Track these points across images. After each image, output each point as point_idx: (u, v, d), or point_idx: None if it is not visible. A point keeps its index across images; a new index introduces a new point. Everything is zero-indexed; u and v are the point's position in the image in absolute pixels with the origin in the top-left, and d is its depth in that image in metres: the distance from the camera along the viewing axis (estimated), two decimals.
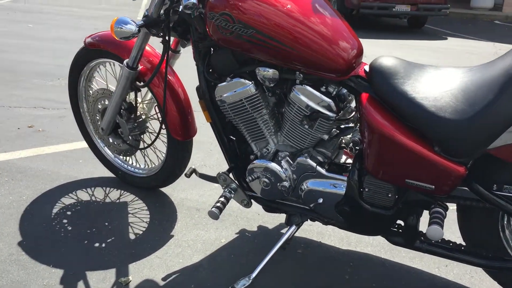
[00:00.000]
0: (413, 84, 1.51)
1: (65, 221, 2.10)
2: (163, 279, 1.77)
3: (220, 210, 1.82)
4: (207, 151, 2.85)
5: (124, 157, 2.40)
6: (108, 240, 1.99)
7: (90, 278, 1.75)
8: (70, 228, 2.05)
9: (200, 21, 1.73)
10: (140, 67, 2.04)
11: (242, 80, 1.72)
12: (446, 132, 1.42)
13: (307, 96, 1.64)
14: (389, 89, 1.52)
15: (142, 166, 2.43)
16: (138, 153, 2.39)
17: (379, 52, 6.95)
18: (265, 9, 1.58)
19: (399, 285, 1.81)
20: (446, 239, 1.67)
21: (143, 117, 2.22)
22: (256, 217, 2.18)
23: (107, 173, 2.49)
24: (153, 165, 2.38)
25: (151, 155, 2.40)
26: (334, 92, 1.67)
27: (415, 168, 1.50)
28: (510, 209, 1.46)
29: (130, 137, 2.20)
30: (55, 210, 2.18)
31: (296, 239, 2.06)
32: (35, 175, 2.49)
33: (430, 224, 1.51)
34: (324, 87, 1.66)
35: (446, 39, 8.90)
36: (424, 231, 1.61)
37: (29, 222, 2.09)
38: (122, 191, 2.38)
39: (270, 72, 1.67)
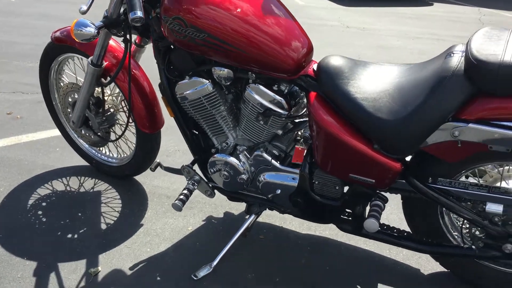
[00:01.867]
0: (356, 84, 1.59)
1: (40, 212, 2.21)
2: (130, 268, 1.90)
3: (183, 202, 1.93)
4: (179, 136, 2.93)
5: (97, 148, 2.49)
6: (81, 231, 2.10)
7: (62, 270, 1.87)
8: (44, 220, 2.16)
9: (157, 22, 1.80)
10: (105, 63, 2.11)
11: (200, 79, 1.80)
12: (383, 131, 1.52)
13: (260, 95, 1.73)
14: (334, 89, 1.60)
15: (115, 156, 2.52)
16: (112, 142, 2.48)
17: (364, 21, 6.98)
18: (217, 13, 1.64)
19: (351, 266, 1.95)
20: (391, 226, 1.80)
21: (112, 110, 2.30)
22: (224, 203, 2.30)
23: (83, 162, 2.58)
24: (125, 155, 2.47)
25: (123, 145, 2.49)
26: (286, 90, 1.76)
27: (357, 163, 1.60)
28: (441, 201, 1.58)
29: (100, 130, 2.28)
30: (30, 202, 2.28)
31: (260, 225, 2.18)
32: (12, 165, 2.58)
33: (368, 217, 1.63)
34: (276, 85, 1.75)
35: (431, 4, 8.88)
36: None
37: (5, 214, 2.19)
38: (97, 180, 2.48)
39: (225, 72, 1.75)
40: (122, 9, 1.88)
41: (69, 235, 2.07)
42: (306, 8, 8.03)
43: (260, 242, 2.08)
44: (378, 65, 1.69)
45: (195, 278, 1.84)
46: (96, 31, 1.80)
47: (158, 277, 1.86)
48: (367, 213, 1.69)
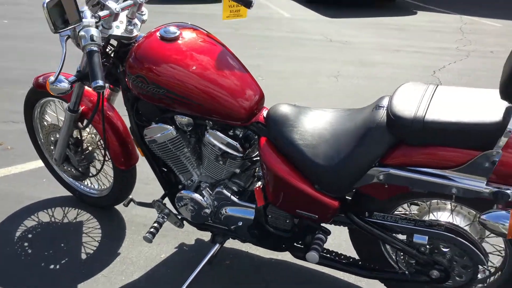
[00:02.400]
0: (299, 131, 1.80)
1: (26, 244, 2.41)
2: None
3: (154, 234, 2.13)
4: None
5: (79, 181, 2.70)
6: (63, 262, 2.30)
7: None
8: (30, 251, 2.36)
9: (124, 76, 2.00)
10: (81, 108, 2.31)
11: (164, 125, 2.00)
12: (321, 174, 1.73)
13: (217, 140, 1.93)
14: (280, 135, 1.81)
15: (96, 187, 2.73)
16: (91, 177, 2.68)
17: (348, 34, 7.18)
18: (175, 71, 1.85)
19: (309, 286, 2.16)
20: (340, 253, 2.00)
21: (90, 148, 2.50)
22: (196, 230, 2.49)
23: (67, 192, 2.78)
24: (105, 187, 2.68)
25: (103, 178, 2.69)
26: (241, 135, 1.96)
27: (302, 201, 1.81)
28: (375, 233, 1.78)
29: (80, 166, 2.49)
30: (17, 234, 2.49)
31: (227, 251, 2.38)
32: (1, 197, 2.78)
33: (310, 249, 1.84)
34: (232, 131, 1.96)
35: (415, 13, 9.09)
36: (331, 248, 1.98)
37: None
38: (79, 210, 2.68)
39: (185, 119, 1.96)
40: None
41: (52, 266, 2.28)
42: (292, 21, 8.24)
43: (226, 267, 2.28)
44: (320, 111, 1.89)
45: None
46: (70, 85, 2.00)
47: None
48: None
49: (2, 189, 2.87)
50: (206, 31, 2.05)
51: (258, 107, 1.94)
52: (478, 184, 1.52)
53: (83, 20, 1.70)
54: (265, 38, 6.92)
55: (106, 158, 2.37)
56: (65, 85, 1.98)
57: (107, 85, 2.23)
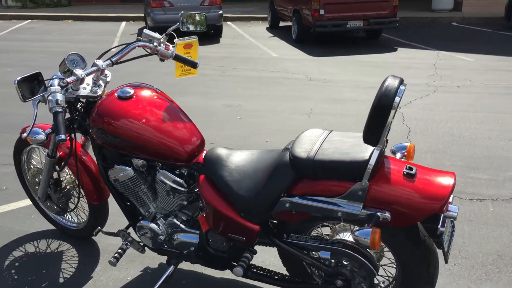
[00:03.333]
0: (228, 169, 2.21)
1: (13, 271, 2.81)
2: None
3: (117, 259, 2.53)
4: None
5: (60, 215, 3.11)
6: (44, 285, 2.69)
7: None
8: (16, 277, 2.76)
9: (89, 128, 2.44)
10: (58, 154, 2.74)
11: (124, 167, 2.42)
12: (243, 204, 2.13)
13: (166, 178, 2.35)
14: (214, 173, 2.23)
15: (76, 221, 3.14)
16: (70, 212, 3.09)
17: (328, 72, 7.66)
18: (128, 123, 2.28)
19: None
20: (270, 269, 2.38)
21: (68, 187, 2.92)
22: (158, 256, 2.88)
23: (51, 226, 3.19)
24: (83, 220, 3.09)
25: (81, 213, 3.11)
26: (185, 173, 2.38)
27: (231, 227, 2.20)
28: (290, 251, 2.17)
29: (59, 203, 2.90)
30: (6, 263, 2.89)
31: (184, 271, 2.76)
32: None
33: (236, 265, 2.22)
34: (178, 170, 2.38)
35: (395, 50, 9.58)
36: (258, 264, 2.37)
37: None
38: (61, 242, 3.09)
39: (140, 162, 2.38)
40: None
41: None
42: (278, 60, 8.77)
43: (183, 286, 2.66)
44: (247, 152, 2.31)
45: None
46: (45, 137, 2.43)
47: None
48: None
49: None
50: (158, 90, 2.49)
51: (199, 150, 2.37)
52: (356, 209, 1.91)
53: (51, 87, 2.13)
54: (249, 78, 7.42)
55: (81, 195, 2.78)
56: (41, 136, 2.41)
57: (79, 135, 2.67)
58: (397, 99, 1.75)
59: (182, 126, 2.35)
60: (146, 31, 2.55)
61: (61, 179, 2.89)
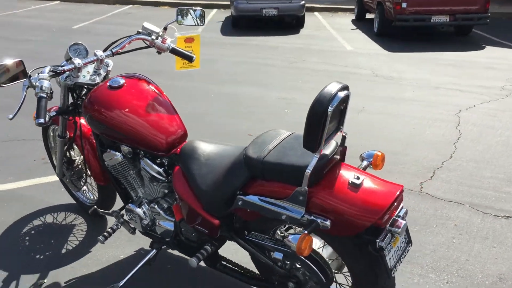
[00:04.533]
0: (198, 163, 2.27)
1: (26, 238, 3.10)
2: (65, 282, 2.69)
3: (106, 238, 2.69)
4: None
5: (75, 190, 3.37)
6: (47, 253, 2.95)
7: (22, 280, 2.72)
8: (27, 244, 3.04)
9: None
10: (68, 134, 2.96)
11: (115, 152, 2.57)
12: (204, 198, 2.18)
13: (148, 166, 2.46)
14: (185, 165, 2.30)
15: (91, 197, 3.37)
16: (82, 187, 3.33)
17: (398, 69, 7.38)
18: (111, 112, 2.39)
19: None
20: (240, 265, 2.41)
21: (80, 167, 3.15)
22: None
23: (73, 201, 3.46)
24: (95, 198, 3.31)
25: (95, 191, 3.33)
26: (166, 162, 2.47)
27: (196, 218, 2.26)
28: (247, 248, 2.18)
29: (72, 179, 3.14)
30: (24, 230, 3.19)
31: (171, 255, 2.89)
32: (24, 202, 3.53)
33: (192, 256, 2.27)
34: (159, 159, 2.47)
35: (483, 48, 8.94)
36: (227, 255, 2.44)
37: (2, 236, 3.12)
38: (77, 216, 3.34)
39: (126, 149, 2.51)
40: (69, 101, 2.71)
41: (38, 256, 2.93)
42: (351, 54, 8.57)
43: (167, 270, 2.78)
44: (222, 146, 2.34)
45: None
46: (48, 120, 2.63)
47: None
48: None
49: (27, 195, 3.63)
50: (151, 81, 2.59)
51: (180, 141, 2.44)
52: (298, 213, 1.88)
53: (40, 74, 2.31)
54: (314, 71, 7.35)
55: (88, 175, 2.99)
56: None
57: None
58: (330, 107, 1.69)
59: (165, 117, 2.42)
60: (145, 24, 2.68)
61: (74, 158, 3.12)
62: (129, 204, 2.62)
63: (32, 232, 3.18)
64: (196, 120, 5.14)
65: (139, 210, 2.57)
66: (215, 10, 14.52)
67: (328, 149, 1.89)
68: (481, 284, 2.62)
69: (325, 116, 1.69)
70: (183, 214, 2.34)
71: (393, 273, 1.89)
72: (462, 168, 4.00)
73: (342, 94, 1.73)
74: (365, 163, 2.12)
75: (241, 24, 11.44)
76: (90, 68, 2.62)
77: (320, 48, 9.11)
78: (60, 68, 2.41)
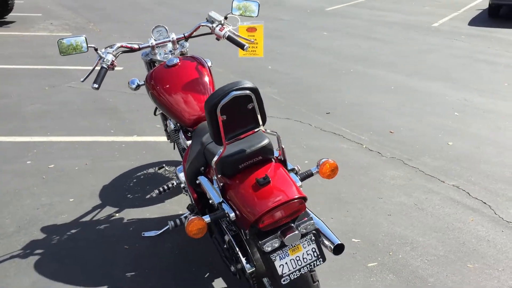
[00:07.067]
0: (197, 140, 2.28)
1: (87, 191, 3.32)
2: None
3: (157, 193, 2.87)
4: None
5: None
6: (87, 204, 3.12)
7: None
8: (73, 200, 3.27)
9: None
10: None
11: (169, 122, 2.89)
12: (188, 171, 2.29)
13: (180, 136, 2.66)
14: (192, 141, 2.40)
15: None
16: None
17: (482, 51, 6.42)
18: (157, 87, 2.59)
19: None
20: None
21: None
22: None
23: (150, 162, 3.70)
24: None
25: None
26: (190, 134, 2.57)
27: (189, 188, 2.36)
28: (210, 225, 2.11)
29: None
30: (100, 181, 3.47)
31: (178, 243, 2.82)
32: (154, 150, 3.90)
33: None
34: (190, 133, 2.59)
35: None
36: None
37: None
38: (141, 177, 3.54)
39: (171, 121, 2.82)
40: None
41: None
42: (436, 32, 8.11)
43: (123, 250, 2.76)
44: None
45: (142, 235, 2.83)
46: (135, 86, 2.82)
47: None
48: None
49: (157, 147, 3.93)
50: (206, 64, 2.65)
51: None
52: (217, 199, 1.92)
53: (108, 48, 2.63)
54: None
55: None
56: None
57: None
58: (220, 105, 1.68)
59: (197, 96, 2.51)
60: (210, 12, 2.81)
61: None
62: (178, 167, 2.68)
63: (92, 188, 3.43)
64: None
65: (180, 173, 2.59)
66: None
67: (244, 145, 1.90)
68: None
69: (215, 109, 1.69)
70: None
71: (284, 281, 1.79)
72: (482, 171, 3.41)
73: (238, 92, 1.69)
74: (314, 168, 2.08)
75: (500, 13, 9.84)
76: (168, 47, 2.83)
77: None
78: (136, 45, 2.74)
